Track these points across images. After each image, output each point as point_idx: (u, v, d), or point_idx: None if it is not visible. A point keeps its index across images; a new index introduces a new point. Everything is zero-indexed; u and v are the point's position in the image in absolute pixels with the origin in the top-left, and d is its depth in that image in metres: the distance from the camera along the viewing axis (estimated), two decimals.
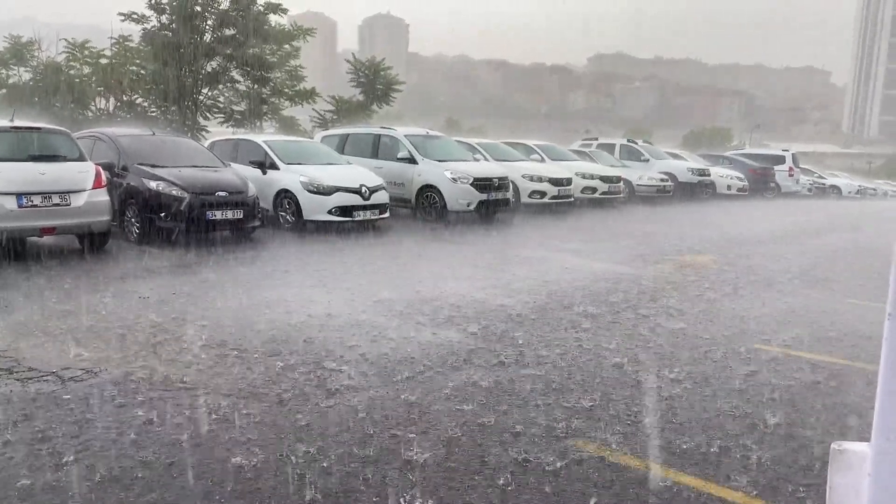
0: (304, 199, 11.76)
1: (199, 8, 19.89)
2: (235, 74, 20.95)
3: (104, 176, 9.30)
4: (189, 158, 11.06)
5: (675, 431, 4.09)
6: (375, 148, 14.89)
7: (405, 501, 3.20)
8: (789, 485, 3.51)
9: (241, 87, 21.29)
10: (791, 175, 27.61)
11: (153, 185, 9.95)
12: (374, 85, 22.01)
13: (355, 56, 22.74)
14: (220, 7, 20.23)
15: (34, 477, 3.28)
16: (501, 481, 3.41)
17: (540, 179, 16.11)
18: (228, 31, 20.31)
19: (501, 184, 14.30)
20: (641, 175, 21.42)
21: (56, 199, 8.58)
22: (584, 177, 18.07)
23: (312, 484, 3.32)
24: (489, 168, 14.88)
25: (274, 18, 21.32)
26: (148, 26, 19.83)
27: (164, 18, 19.81)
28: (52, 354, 5.05)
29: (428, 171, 13.93)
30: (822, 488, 3.33)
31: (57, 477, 3.29)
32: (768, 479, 3.56)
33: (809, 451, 3.89)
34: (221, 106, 21.07)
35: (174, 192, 9.90)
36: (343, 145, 15.21)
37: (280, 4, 20.73)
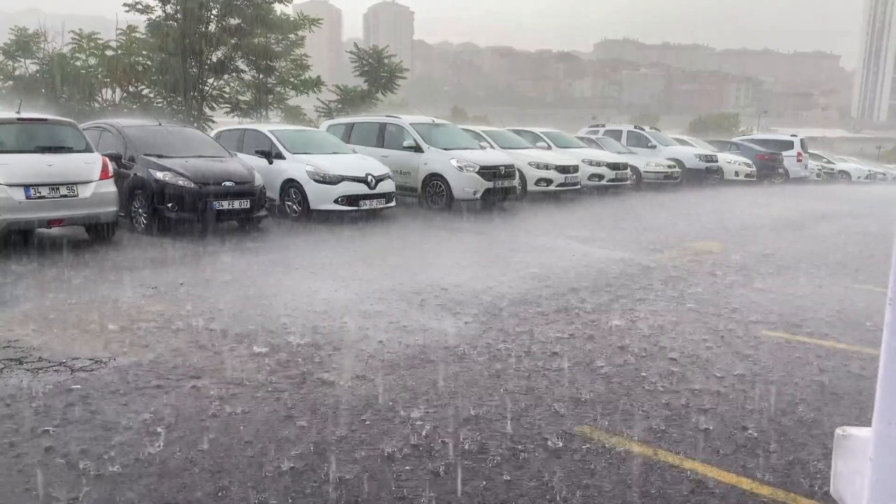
0: (311, 188, 11.77)
1: None
2: (241, 64, 20.93)
3: (111, 167, 9.33)
4: (195, 149, 11.07)
5: (682, 417, 4.09)
6: (381, 137, 14.87)
7: (409, 491, 3.22)
8: (796, 469, 3.51)
9: (247, 77, 21.26)
10: (800, 160, 27.42)
11: (160, 175, 9.97)
12: (378, 73, 21.94)
13: (357, 45, 22.65)
14: None
15: (45, 466, 3.32)
16: (504, 467, 3.43)
17: (546, 167, 16.06)
18: (233, 21, 20.26)
19: (508, 172, 14.27)
20: (648, 162, 21.31)
21: (63, 191, 8.62)
22: (590, 164, 18.01)
23: (313, 472, 3.35)
24: (495, 156, 14.84)
25: (279, 7, 21.27)
26: (153, 16, 19.82)
27: (168, 8, 19.79)
28: (62, 345, 5.09)
29: (434, 160, 13.91)
30: (828, 472, 3.34)
31: (67, 465, 3.33)
32: (776, 464, 3.56)
33: (817, 436, 3.89)
34: (227, 96, 21.07)
35: (181, 183, 9.93)
36: (349, 134, 15.20)
37: None
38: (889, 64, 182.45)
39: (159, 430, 3.73)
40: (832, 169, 33.10)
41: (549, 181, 16.00)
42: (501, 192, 14.19)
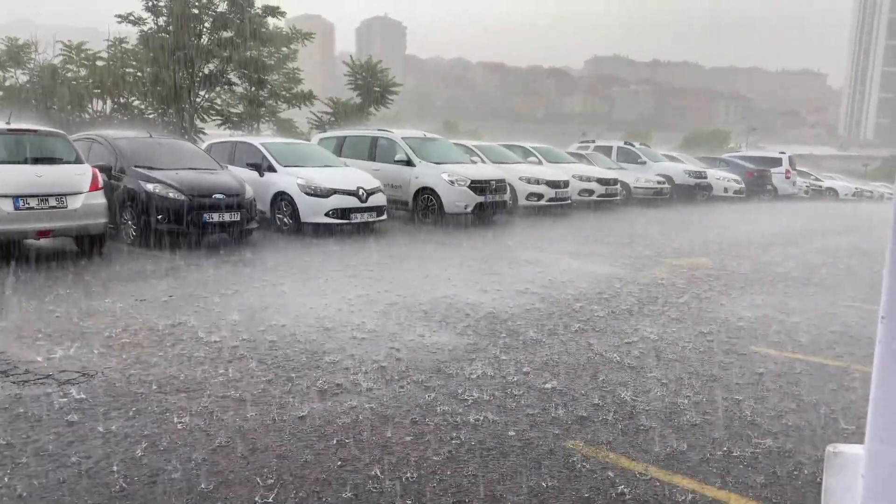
0: (302, 201, 11.76)
1: (196, 10, 19.88)
2: (233, 77, 20.94)
3: (101, 178, 9.29)
4: (186, 161, 11.05)
5: (670, 434, 4.09)
6: (373, 150, 14.89)
7: None
8: (786, 487, 3.51)
9: (239, 90, 21.28)
10: (788, 177, 27.67)
11: (150, 187, 9.94)
12: (371, 87, 22.01)
13: (352, 58, 22.72)
14: (218, 9, 20.22)
15: (30, 481, 3.28)
16: (497, 482, 3.41)
17: (537, 182, 16.13)
18: (226, 34, 20.31)
19: (498, 186, 14.32)
20: (638, 177, 21.45)
21: (53, 202, 8.57)
22: (581, 179, 18.10)
23: (303, 488, 3.32)
24: (486, 170, 14.89)
25: (272, 21, 21.33)
26: (145, 28, 19.83)
27: (161, 20, 19.81)
28: (49, 357, 5.04)
29: (425, 174, 13.94)
30: (818, 490, 3.34)
31: (54, 479, 3.29)
32: (765, 481, 3.56)
33: (806, 454, 3.89)
34: (218, 108, 21.06)
35: (171, 195, 9.89)
36: (340, 148, 15.22)
37: (277, 7, 20.73)
38: (875, 83, 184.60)
39: (144, 443, 3.69)
40: (820, 186, 33.38)
41: (539, 196, 16.06)
42: (492, 206, 14.23)
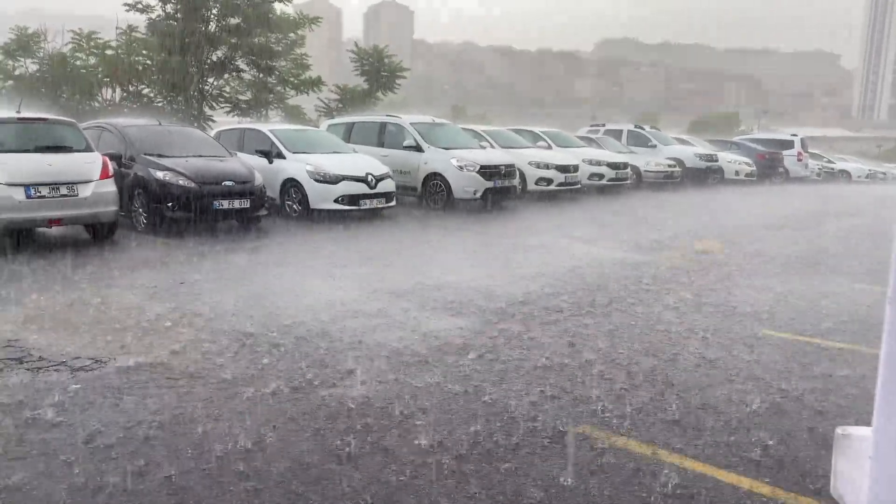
0: (311, 188, 11.77)
1: None
2: (241, 63, 20.91)
3: (111, 166, 9.33)
4: (195, 148, 11.07)
5: (681, 417, 4.09)
6: (381, 136, 14.86)
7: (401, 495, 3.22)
8: (795, 469, 3.51)
9: (247, 77, 21.24)
10: (800, 160, 27.39)
11: (160, 175, 9.97)
12: (378, 73, 21.92)
13: (357, 45, 22.62)
14: None
15: (45, 467, 3.32)
16: (504, 466, 3.42)
17: (546, 166, 16.05)
18: (233, 20, 20.24)
19: (508, 171, 14.26)
20: (649, 161, 21.30)
21: (64, 190, 8.61)
22: (591, 163, 17.98)
23: (312, 471, 3.35)
24: (495, 155, 14.83)
25: (279, 7, 21.25)
26: (153, 16, 19.80)
27: (168, 8, 19.77)
28: (62, 344, 5.09)
29: (434, 159, 13.90)
30: (828, 472, 3.33)
31: (65, 465, 3.33)
32: (775, 463, 3.56)
33: (816, 436, 3.89)
34: (227, 95, 21.03)
35: (181, 182, 9.92)
36: (349, 134, 15.20)
37: None
38: (889, 63, 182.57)
39: (158, 431, 3.73)
40: (832, 168, 33.05)
41: (549, 181, 15.99)
42: (501, 191, 14.18)
